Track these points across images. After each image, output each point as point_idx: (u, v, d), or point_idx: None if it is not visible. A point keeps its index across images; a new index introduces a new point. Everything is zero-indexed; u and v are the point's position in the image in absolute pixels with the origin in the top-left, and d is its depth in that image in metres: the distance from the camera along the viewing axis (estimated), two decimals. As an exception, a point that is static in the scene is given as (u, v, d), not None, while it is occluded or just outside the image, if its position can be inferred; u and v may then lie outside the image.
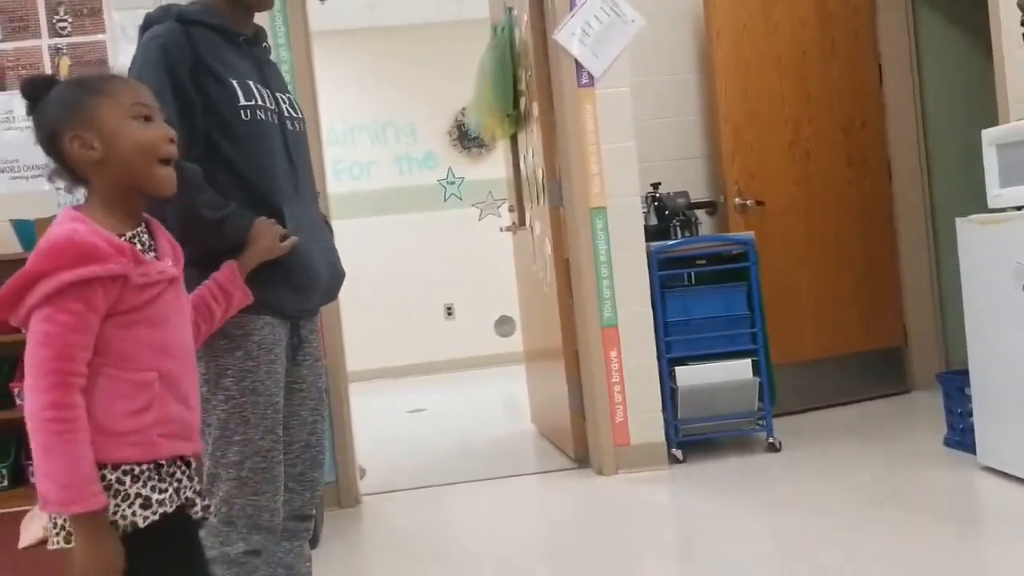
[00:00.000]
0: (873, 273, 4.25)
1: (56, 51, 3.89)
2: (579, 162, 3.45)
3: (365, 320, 5.51)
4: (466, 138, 6.79)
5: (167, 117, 1.53)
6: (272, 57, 2.08)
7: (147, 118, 1.44)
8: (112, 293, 1.34)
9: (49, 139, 1.41)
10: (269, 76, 1.91)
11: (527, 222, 4.19)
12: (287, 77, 2.13)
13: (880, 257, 4.27)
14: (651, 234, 3.63)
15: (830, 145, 4.17)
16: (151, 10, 1.87)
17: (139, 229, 1.44)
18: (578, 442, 3.64)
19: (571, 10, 3.39)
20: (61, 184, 1.48)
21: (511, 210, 4.57)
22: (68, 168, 1.42)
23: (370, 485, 3.62)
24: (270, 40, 2.24)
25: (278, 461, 1.78)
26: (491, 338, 6.66)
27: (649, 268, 3.47)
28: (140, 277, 1.37)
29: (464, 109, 6.44)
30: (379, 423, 4.92)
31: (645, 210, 3.72)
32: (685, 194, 3.88)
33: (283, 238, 1.76)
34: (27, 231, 3.38)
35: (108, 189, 1.42)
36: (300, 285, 1.83)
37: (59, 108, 1.41)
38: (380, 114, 6.80)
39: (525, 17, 3.72)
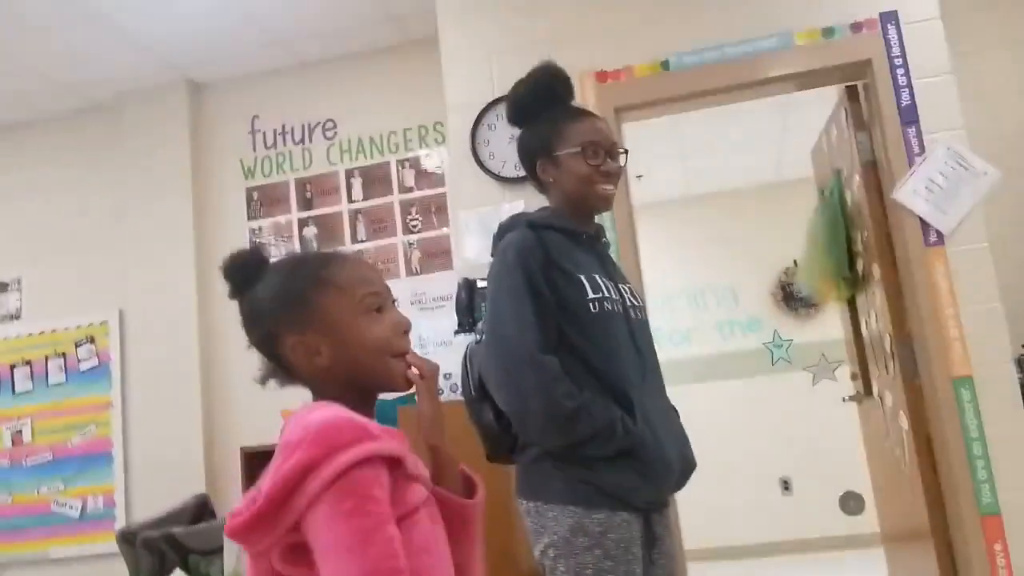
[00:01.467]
0: None
1: (408, 246, 4.32)
2: (933, 326, 3.12)
3: (695, 494, 5.29)
4: (792, 298, 6.51)
5: (528, 311, 1.76)
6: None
7: (379, 308, 1.28)
8: (389, 481, 1.12)
9: (264, 340, 1.27)
10: (611, 269, 2.04)
11: (875, 392, 3.85)
12: (613, 254, 2.23)
13: None
14: (1031, 405, 3.16)
15: None
16: (503, 220, 2.08)
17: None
18: (956, 646, 3.12)
19: (910, 167, 3.18)
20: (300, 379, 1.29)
21: (854, 378, 4.23)
22: (285, 368, 1.26)
23: None
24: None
25: None
26: (836, 516, 6.07)
27: (1035, 446, 3.00)
28: (412, 467, 1.18)
29: (788, 270, 6.23)
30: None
31: (1021, 376, 3.27)
32: (1068, 358, 3.37)
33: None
34: (387, 411, 3.54)
35: (335, 392, 1.24)
36: (654, 476, 1.82)
37: (278, 303, 1.25)
38: (698, 279, 6.76)
39: (857, 177, 3.55)
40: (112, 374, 4.54)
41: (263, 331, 1.26)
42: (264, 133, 4.63)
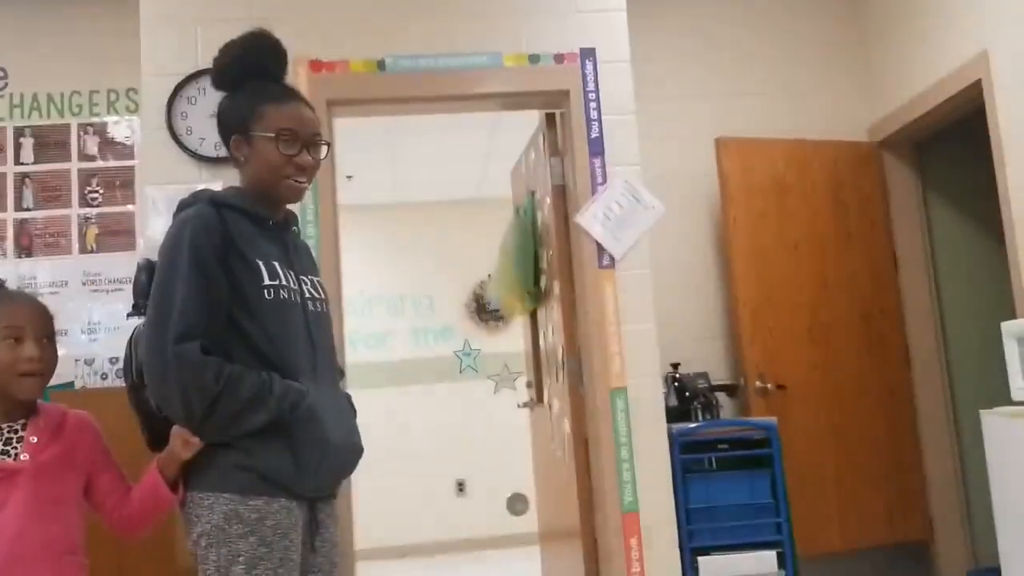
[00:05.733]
0: (897, 464, 4.16)
1: (85, 220, 3.98)
2: (599, 342, 3.44)
3: (373, 494, 5.38)
4: (484, 310, 6.86)
5: (185, 294, 1.72)
6: (303, 235, 2.13)
7: (17, 339, 1.75)
8: None
9: None
10: (295, 258, 1.97)
11: (545, 399, 4.16)
12: (314, 251, 2.21)
13: (903, 447, 4.20)
14: (671, 415, 3.58)
15: (848, 331, 4.19)
16: (185, 196, 1.96)
17: (14, 425, 1.77)
18: (594, 633, 3.45)
19: (593, 195, 3.49)
20: None
21: (528, 386, 4.54)
22: None
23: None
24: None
25: None
26: (504, 516, 6.47)
27: (671, 451, 3.40)
28: None
29: (482, 283, 6.54)
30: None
31: (665, 391, 3.70)
32: (706, 376, 3.87)
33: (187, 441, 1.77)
34: None
35: None
36: (316, 465, 1.81)
37: None
38: (398, 286, 6.92)
39: (548, 200, 3.83)
40: None
41: None
42: (-82, 74, 4.06)
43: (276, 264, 1.86)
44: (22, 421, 1.77)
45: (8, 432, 1.75)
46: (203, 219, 1.81)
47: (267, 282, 1.82)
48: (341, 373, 2.16)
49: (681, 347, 4.04)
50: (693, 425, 3.61)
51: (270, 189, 1.92)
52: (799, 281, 4.16)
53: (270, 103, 1.90)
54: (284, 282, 1.85)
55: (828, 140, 4.34)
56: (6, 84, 4.08)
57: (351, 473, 2.02)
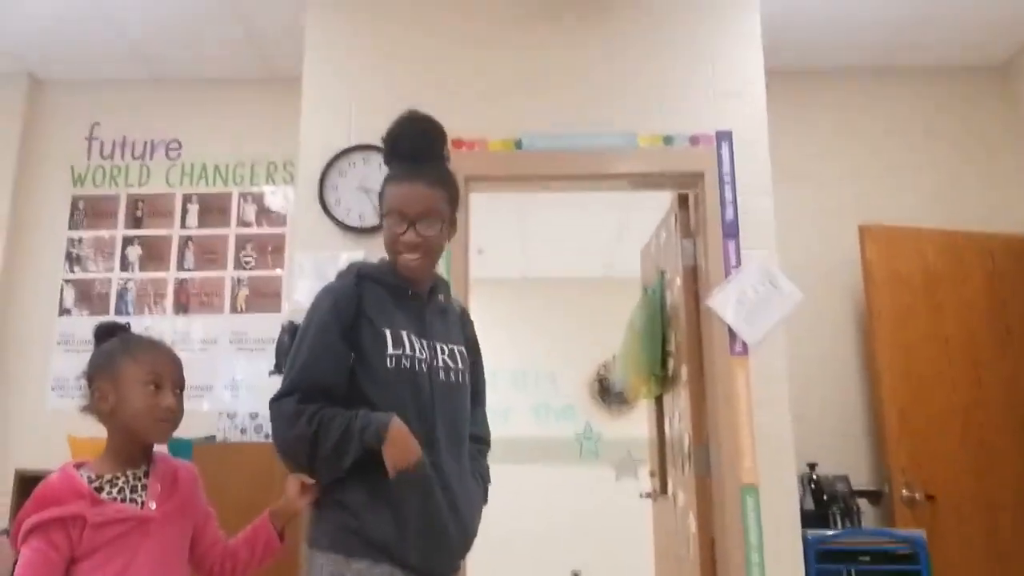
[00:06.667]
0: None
1: (237, 282, 4.19)
2: (729, 433, 3.27)
3: (484, 574, 5.26)
4: (607, 392, 6.72)
5: (304, 359, 1.85)
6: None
7: (157, 386, 1.76)
8: (75, 532, 1.61)
9: (87, 381, 1.77)
10: (433, 327, 2.01)
11: (669, 491, 3.98)
12: None
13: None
14: (807, 520, 3.34)
15: (1007, 437, 3.83)
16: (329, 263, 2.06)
17: (137, 471, 1.76)
18: None
19: (726, 278, 3.37)
20: (94, 416, 1.78)
21: (652, 475, 4.37)
22: (91, 407, 1.77)
23: None
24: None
25: None
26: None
27: (805, 559, 3.16)
28: (96, 516, 1.62)
29: (606, 364, 6.42)
30: None
31: (801, 492, 3.46)
32: (846, 479, 3.61)
33: (305, 487, 1.89)
34: (183, 450, 3.45)
35: (113, 434, 1.77)
36: (416, 536, 1.80)
37: (100, 357, 1.78)
38: (522, 361, 6.87)
39: (678, 280, 3.73)
40: None
41: (87, 374, 1.78)
42: (102, 142, 4.43)
43: (404, 333, 1.92)
44: (144, 468, 1.79)
45: (133, 479, 1.76)
46: (339, 291, 1.94)
47: (391, 351, 1.88)
48: (486, 444, 2.20)
49: (818, 445, 3.80)
50: (831, 533, 3.36)
51: (393, 263, 2.02)
52: (951, 380, 3.86)
53: (389, 184, 2.03)
54: (409, 351, 1.90)
55: (983, 232, 4.07)
56: (180, 155, 4.40)
57: (460, 556, 1.96)
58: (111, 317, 4.17)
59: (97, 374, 1.76)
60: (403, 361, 1.89)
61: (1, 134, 4.35)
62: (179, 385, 1.85)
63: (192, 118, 4.43)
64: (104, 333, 1.82)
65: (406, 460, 1.78)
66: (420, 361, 1.91)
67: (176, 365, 1.84)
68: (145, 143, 4.42)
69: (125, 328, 1.86)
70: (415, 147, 2.04)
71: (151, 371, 1.77)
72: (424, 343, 1.95)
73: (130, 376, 1.74)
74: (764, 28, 3.55)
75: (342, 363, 1.87)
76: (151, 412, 1.76)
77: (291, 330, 2.93)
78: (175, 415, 1.81)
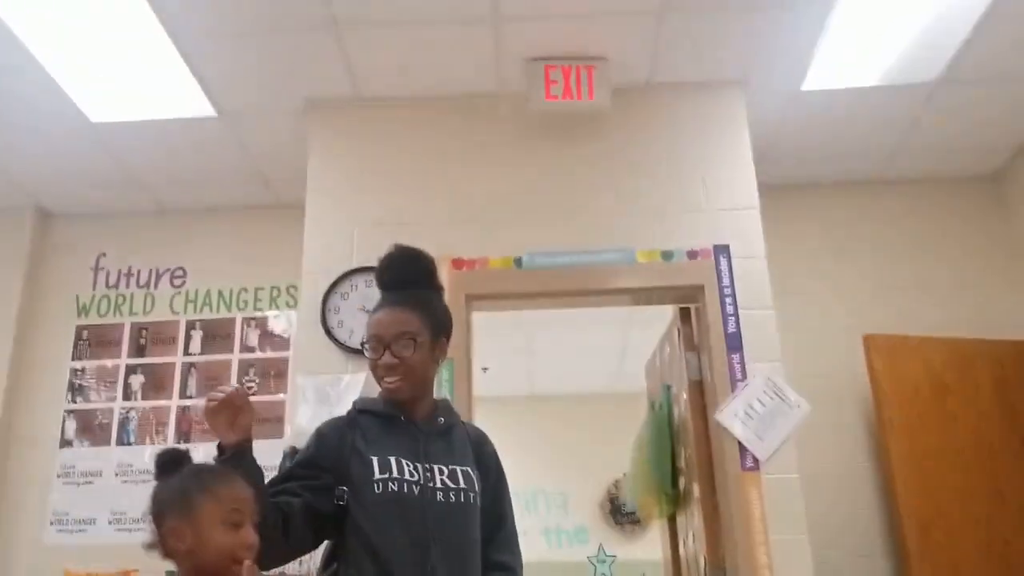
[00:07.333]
0: None
1: (240, 408, 4.16)
2: (745, 552, 3.16)
3: None
4: (619, 512, 6.56)
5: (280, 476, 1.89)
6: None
7: (237, 524, 1.66)
8: None
9: (155, 516, 1.67)
10: (430, 449, 1.98)
11: (686, 615, 3.83)
12: None
13: None
14: (830, 643, 3.20)
15: (1031, 548, 3.71)
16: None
17: None
18: None
19: (732, 391, 3.32)
20: (161, 554, 1.66)
21: (668, 599, 4.22)
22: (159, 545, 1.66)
23: None
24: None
25: None
26: None
27: None
28: None
29: (617, 481, 6.29)
30: None
31: (821, 612, 3.32)
32: (867, 597, 3.47)
33: None
34: None
35: (185, 573, 1.66)
36: None
37: (171, 493, 1.67)
38: (532, 480, 6.72)
39: (684, 395, 3.69)
40: None
41: (157, 509, 1.68)
42: (108, 272, 4.48)
43: (394, 458, 1.92)
44: None
45: None
46: (330, 424, 2.03)
47: (377, 476, 1.89)
48: (512, 571, 2.14)
49: (838, 565, 3.66)
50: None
51: (381, 389, 2.07)
52: (970, 492, 3.75)
53: (370, 315, 2.08)
54: (397, 474, 1.90)
55: (989, 339, 4.04)
56: (184, 282, 4.44)
57: None
58: (114, 447, 4.13)
59: (170, 512, 1.65)
60: (391, 485, 1.88)
61: (8, 266, 4.40)
62: (255, 518, 1.74)
63: (196, 246, 4.49)
64: (169, 463, 1.73)
65: (215, 398, 1.81)
66: (411, 484, 1.90)
67: (252, 498, 1.74)
68: (150, 271, 4.46)
69: (190, 457, 1.76)
70: (396, 278, 2.10)
71: (233, 509, 1.66)
72: (418, 466, 1.93)
73: (210, 516, 1.64)
74: (755, 143, 3.63)
75: (315, 487, 1.92)
76: (232, 553, 1.65)
77: (292, 455, 2.88)
78: (255, 552, 1.71)
